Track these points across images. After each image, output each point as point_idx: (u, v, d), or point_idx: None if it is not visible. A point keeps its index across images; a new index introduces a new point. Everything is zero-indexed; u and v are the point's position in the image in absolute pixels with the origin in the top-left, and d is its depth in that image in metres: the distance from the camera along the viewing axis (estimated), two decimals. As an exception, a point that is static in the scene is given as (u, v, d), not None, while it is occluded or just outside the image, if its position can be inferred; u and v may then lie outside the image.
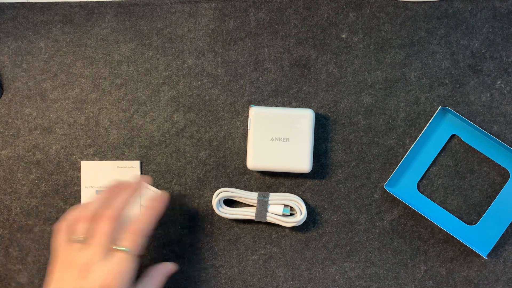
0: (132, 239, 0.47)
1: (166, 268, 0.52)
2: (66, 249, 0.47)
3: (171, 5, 0.58)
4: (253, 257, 0.58)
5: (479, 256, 0.56)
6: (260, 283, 0.58)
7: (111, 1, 0.58)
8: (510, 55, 0.57)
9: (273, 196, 0.56)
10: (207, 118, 0.58)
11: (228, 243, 0.58)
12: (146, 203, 0.51)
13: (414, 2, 0.57)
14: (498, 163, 0.56)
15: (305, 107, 0.57)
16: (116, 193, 0.50)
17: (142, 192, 0.56)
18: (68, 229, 0.48)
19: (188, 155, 0.58)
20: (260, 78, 0.58)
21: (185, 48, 0.58)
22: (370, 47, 0.57)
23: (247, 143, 0.55)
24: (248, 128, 0.54)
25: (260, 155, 0.54)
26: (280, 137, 0.54)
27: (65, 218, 0.48)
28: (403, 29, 0.57)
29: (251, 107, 0.55)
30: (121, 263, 0.45)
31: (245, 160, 0.57)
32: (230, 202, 0.58)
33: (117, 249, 0.46)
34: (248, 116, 0.57)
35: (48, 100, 0.58)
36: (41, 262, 0.58)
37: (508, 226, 0.55)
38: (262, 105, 0.57)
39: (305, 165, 0.54)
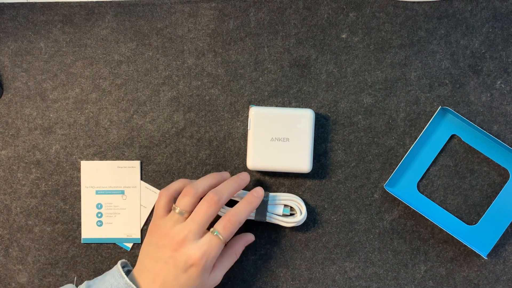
0: (227, 227, 0.49)
1: (245, 238, 0.55)
2: (165, 217, 0.50)
3: (171, 5, 0.58)
4: (253, 257, 0.58)
5: (479, 256, 0.56)
6: (260, 283, 0.58)
7: (111, 1, 0.58)
8: (510, 55, 0.57)
9: (273, 196, 0.56)
10: (207, 118, 0.58)
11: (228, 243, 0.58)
12: (247, 197, 0.52)
13: (414, 2, 0.57)
14: (498, 163, 0.56)
15: (305, 107, 0.57)
16: (224, 180, 0.53)
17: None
18: (171, 197, 0.51)
19: (188, 155, 0.58)
20: (260, 78, 0.58)
21: (185, 48, 0.58)
22: (370, 47, 0.57)
23: (247, 143, 0.55)
24: (248, 128, 0.54)
25: (260, 155, 0.54)
26: (280, 137, 0.54)
27: (172, 186, 0.52)
28: (403, 29, 0.57)
29: (251, 107, 0.55)
30: (211, 246, 0.48)
31: (245, 160, 0.57)
32: (230, 202, 0.58)
33: (211, 232, 0.48)
34: (248, 116, 0.57)
35: (48, 100, 0.58)
36: (41, 262, 0.58)
37: (508, 226, 0.55)
38: (262, 105, 0.57)
39: (305, 165, 0.54)
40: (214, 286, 0.51)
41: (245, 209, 0.51)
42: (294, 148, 0.54)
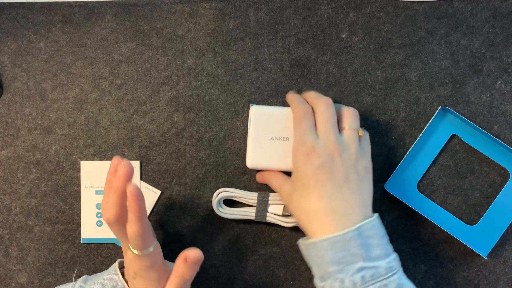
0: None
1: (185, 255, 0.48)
2: None
3: (171, 5, 0.58)
4: (253, 257, 0.58)
5: (479, 256, 0.56)
6: (260, 283, 0.58)
7: (111, 1, 0.58)
8: (510, 55, 0.57)
9: (273, 196, 0.56)
10: (207, 118, 0.58)
11: (228, 243, 0.58)
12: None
13: (414, 2, 0.57)
14: (498, 163, 0.56)
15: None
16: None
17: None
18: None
19: (188, 155, 0.58)
20: (260, 78, 0.58)
21: (185, 48, 0.58)
22: (370, 47, 0.57)
23: (247, 141, 0.55)
24: (248, 127, 0.54)
25: (259, 154, 0.53)
26: (280, 136, 0.53)
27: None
28: (403, 29, 0.57)
29: (251, 105, 0.54)
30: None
31: (245, 160, 0.57)
32: (230, 202, 0.58)
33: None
34: (248, 115, 0.57)
35: (48, 100, 0.58)
36: (40, 262, 0.58)
37: (508, 226, 0.55)
38: (262, 105, 0.57)
39: None
40: None
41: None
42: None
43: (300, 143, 0.49)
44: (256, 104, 0.57)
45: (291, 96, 0.53)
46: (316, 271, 0.47)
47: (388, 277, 0.44)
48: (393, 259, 0.46)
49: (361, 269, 0.44)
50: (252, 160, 0.54)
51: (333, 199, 0.47)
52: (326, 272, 0.45)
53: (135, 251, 0.45)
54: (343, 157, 0.48)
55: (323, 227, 0.46)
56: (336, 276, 0.45)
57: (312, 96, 0.52)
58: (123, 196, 0.45)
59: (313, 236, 0.47)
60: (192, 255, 0.46)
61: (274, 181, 0.53)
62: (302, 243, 0.49)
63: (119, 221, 0.46)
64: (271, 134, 0.53)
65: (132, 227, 0.44)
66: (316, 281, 0.48)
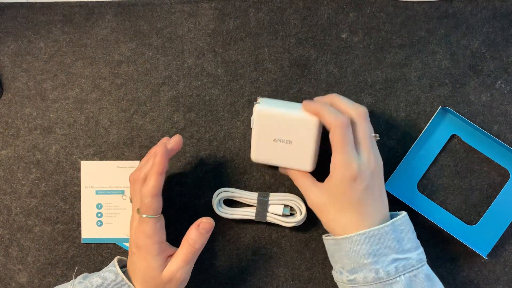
0: (143, 202, 0.49)
1: (197, 223, 0.51)
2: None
3: (171, 5, 0.58)
4: (253, 257, 0.58)
5: (479, 256, 0.56)
6: (260, 283, 0.58)
7: (111, 1, 0.58)
8: (510, 55, 0.57)
9: (273, 196, 0.56)
10: (207, 118, 0.58)
11: (228, 243, 0.58)
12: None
13: (414, 2, 0.57)
14: (498, 163, 0.56)
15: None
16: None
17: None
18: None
19: (188, 155, 0.58)
20: (260, 78, 0.58)
21: (185, 48, 0.58)
22: (370, 47, 0.57)
23: (250, 138, 0.54)
24: (251, 126, 0.52)
25: (262, 151, 0.53)
26: (283, 139, 0.51)
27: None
28: (403, 29, 0.57)
29: (257, 101, 0.52)
30: (138, 225, 0.50)
31: (245, 160, 0.57)
32: (230, 202, 0.58)
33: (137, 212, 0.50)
34: (252, 111, 0.54)
35: (48, 100, 0.58)
36: (41, 262, 0.58)
37: (508, 226, 0.55)
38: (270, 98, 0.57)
39: (307, 164, 0.52)
40: (175, 279, 0.50)
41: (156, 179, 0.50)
42: (296, 150, 0.52)
43: (345, 167, 0.47)
44: (263, 97, 0.55)
45: (318, 106, 0.49)
46: (345, 264, 0.49)
47: (418, 267, 0.47)
48: (421, 252, 0.49)
49: (395, 260, 0.47)
50: (255, 155, 0.53)
51: (371, 210, 0.49)
52: (360, 264, 0.47)
53: (142, 214, 0.48)
54: (379, 171, 0.49)
55: (357, 228, 0.48)
56: (370, 267, 0.47)
57: (344, 104, 0.50)
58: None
59: (344, 233, 0.49)
60: (204, 221, 0.50)
61: (302, 182, 0.52)
62: (331, 238, 0.50)
63: (143, 181, 0.50)
64: (274, 136, 0.52)
65: (149, 183, 0.48)
66: (342, 276, 0.49)
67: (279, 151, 0.52)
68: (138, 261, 0.50)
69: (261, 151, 0.53)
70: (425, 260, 0.49)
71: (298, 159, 0.52)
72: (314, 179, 0.52)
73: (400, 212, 0.50)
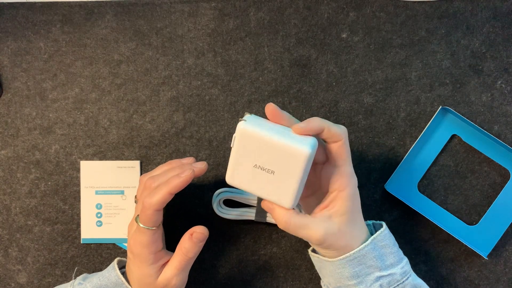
0: (143, 212, 0.48)
1: (190, 232, 0.49)
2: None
3: (171, 5, 0.58)
4: (253, 258, 0.58)
5: (479, 256, 0.56)
6: (260, 283, 0.57)
7: (110, 0, 0.58)
8: (510, 55, 0.56)
9: (273, 196, 0.55)
10: (207, 118, 0.58)
11: (228, 243, 0.58)
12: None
13: (414, 2, 0.57)
14: (499, 163, 0.56)
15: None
16: (182, 165, 0.50)
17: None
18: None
19: (188, 155, 0.58)
20: (260, 78, 0.58)
21: (185, 48, 0.58)
22: (371, 46, 0.57)
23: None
24: (231, 145, 0.45)
25: (240, 175, 0.46)
26: (265, 167, 0.45)
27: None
28: (404, 28, 0.57)
29: (242, 118, 0.45)
30: (134, 233, 0.49)
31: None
32: (230, 202, 0.57)
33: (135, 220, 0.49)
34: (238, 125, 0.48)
35: (48, 100, 0.58)
36: (40, 262, 0.58)
37: (509, 226, 0.55)
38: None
39: (287, 200, 0.45)
40: (170, 286, 0.49)
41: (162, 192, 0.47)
42: (278, 182, 0.45)
43: (354, 176, 0.46)
44: (255, 108, 0.54)
45: (320, 121, 0.44)
46: (331, 282, 0.49)
47: (404, 281, 0.47)
48: (405, 263, 0.48)
49: (379, 278, 0.46)
50: (231, 178, 0.46)
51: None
52: (345, 285, 0.47)
53: (141, 224, 0.47)
54: None
55: (343, 252, 0.47)
56: None
57: (329, 123, 0.45)
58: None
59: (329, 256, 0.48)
60: (198, 231, 0.48)
61: (292, 220, 0.45)
62: (315, 256, 0.50)
63: (150, 189, 0.48)
64: (255, 161, 0.45)
65: (155, 196, 0.46)
66: None
67: (258, 179, 0.45)
68: (133, 267, 0.49)
69: (238, 175, 0.46)
70: (410, 271, 0.48)
71: (278, 192, 0.45)
72: (300, 212, 0.47)
73: (379, 223, 0.50)
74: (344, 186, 0.45)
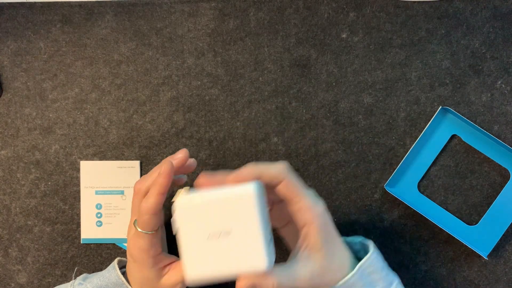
0: (140, 217, 0.46)
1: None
2: None
3: (171, 5, 0.58)
4: (253, 258, 0.58)
5: (479, 256, 0.56)
6: (260, 283, 0.57)
7: (110, 0, 0.58)
8: (510, 55, 0.56)
9: (273, 197, 0.55)
10: (207, 118, 0.58)
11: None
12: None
13: (414, 2, 0.57)
14: (499, 163, 0.56)
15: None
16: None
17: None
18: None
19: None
20: (260, 78, 0.58)
21: (185, 48, 0.58)
22: (371, 47, 0.57)
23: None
24: (173, 232, 0.41)
25: (199, 260, 0.40)
26: (218, 231, 0.40)
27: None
28: (404, 28, 0.57)
29: (178, 197, 0.42)
30: (131, 237, 0.48)
31: (245, 161, 0.57)
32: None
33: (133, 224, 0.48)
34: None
35: (48, 100, 0.58)
36: (40, 262, 0.58)
37: (509, 226, 0.55)
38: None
39: (259, 260, 0.39)
40: None
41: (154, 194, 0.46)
42: (240, 240, 0.40)
43: (315, 203, 0.43)
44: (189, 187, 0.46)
45: (251, 166, 0.43)
46: None
47: None
48: (396, 285, 0.47)
49: None
50: (193, 272, 0.40)
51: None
52: None
53: (139, 228, 0.46)
54: None
55: (330, 286, 0.45)
56: None
57: (264, 164, 0.43)
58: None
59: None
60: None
61: (278, 278, 0.42)
62: None
63: (143, 195, 0.47)
64: (207, 231, 0.40)
65: (148, 200, 0.45)
66: None
67: (219, 252, 0.40)
68: (133, 269, 0.49)
69: (198, 262, 0.40)
70: None
71: (247, 254, 0.40)
72: (279, 265, 0.43)
73: (366, 243, 0.48)
74: (311, 220, 0.43)
